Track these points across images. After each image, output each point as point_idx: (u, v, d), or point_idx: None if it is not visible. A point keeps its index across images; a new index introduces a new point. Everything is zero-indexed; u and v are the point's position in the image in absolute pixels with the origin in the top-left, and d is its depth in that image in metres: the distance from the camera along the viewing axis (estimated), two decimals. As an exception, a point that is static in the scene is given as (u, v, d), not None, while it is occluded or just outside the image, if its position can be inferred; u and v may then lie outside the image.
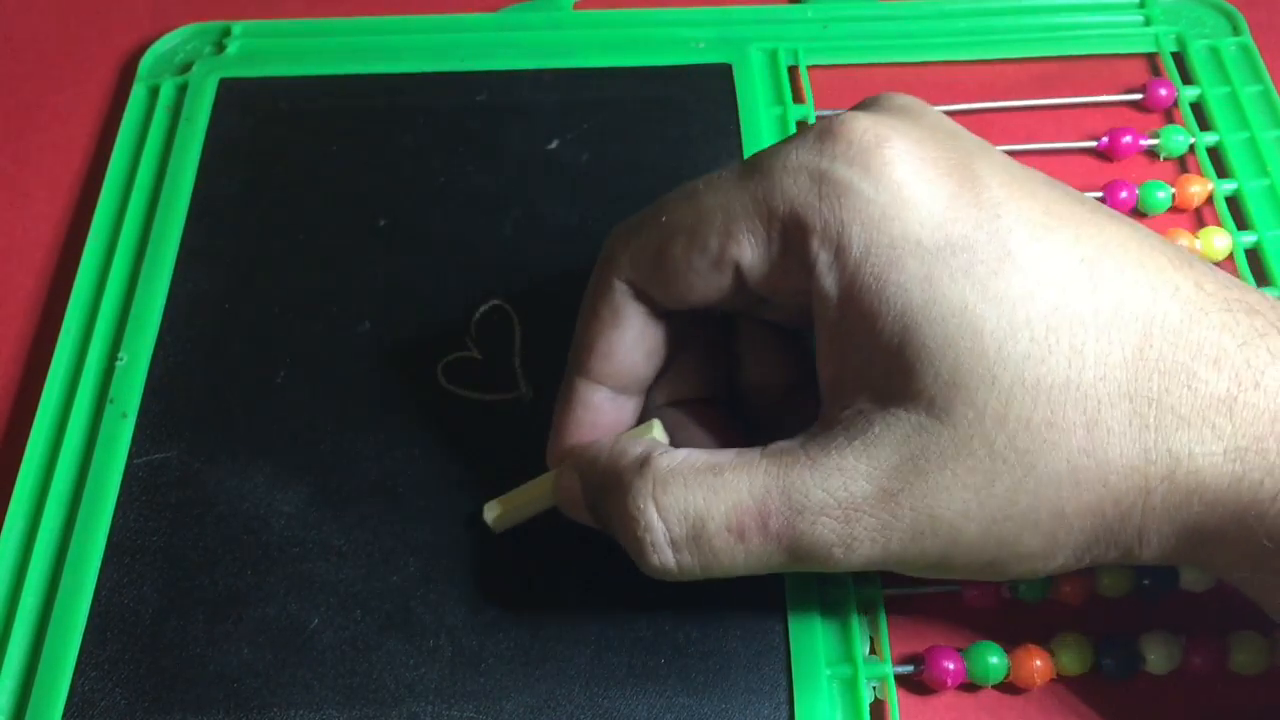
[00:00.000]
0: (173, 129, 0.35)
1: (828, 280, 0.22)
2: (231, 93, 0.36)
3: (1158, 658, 0.26)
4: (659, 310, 0.25)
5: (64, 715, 0.25)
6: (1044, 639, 0.27)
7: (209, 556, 0.28)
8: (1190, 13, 0.38)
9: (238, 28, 0.38)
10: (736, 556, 0.23)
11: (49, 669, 0.26)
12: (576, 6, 0.39)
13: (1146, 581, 0.27)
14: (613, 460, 0.24)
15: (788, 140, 0.23)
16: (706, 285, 0.24)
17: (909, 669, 0.26)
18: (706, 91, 0.36)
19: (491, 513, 0.27)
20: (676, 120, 0.35)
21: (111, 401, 0.30)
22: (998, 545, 0.22)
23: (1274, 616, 0.23)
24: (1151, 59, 0.38)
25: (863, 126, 0.22)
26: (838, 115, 0.23)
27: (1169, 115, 0.37)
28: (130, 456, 0.29)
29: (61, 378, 0.31)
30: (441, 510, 0.28)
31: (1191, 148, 0.35)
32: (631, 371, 0.25)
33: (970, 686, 0.27)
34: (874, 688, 0.26)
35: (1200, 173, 0.34)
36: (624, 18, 0.38)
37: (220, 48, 0.38)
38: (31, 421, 0.30)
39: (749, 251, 0.23)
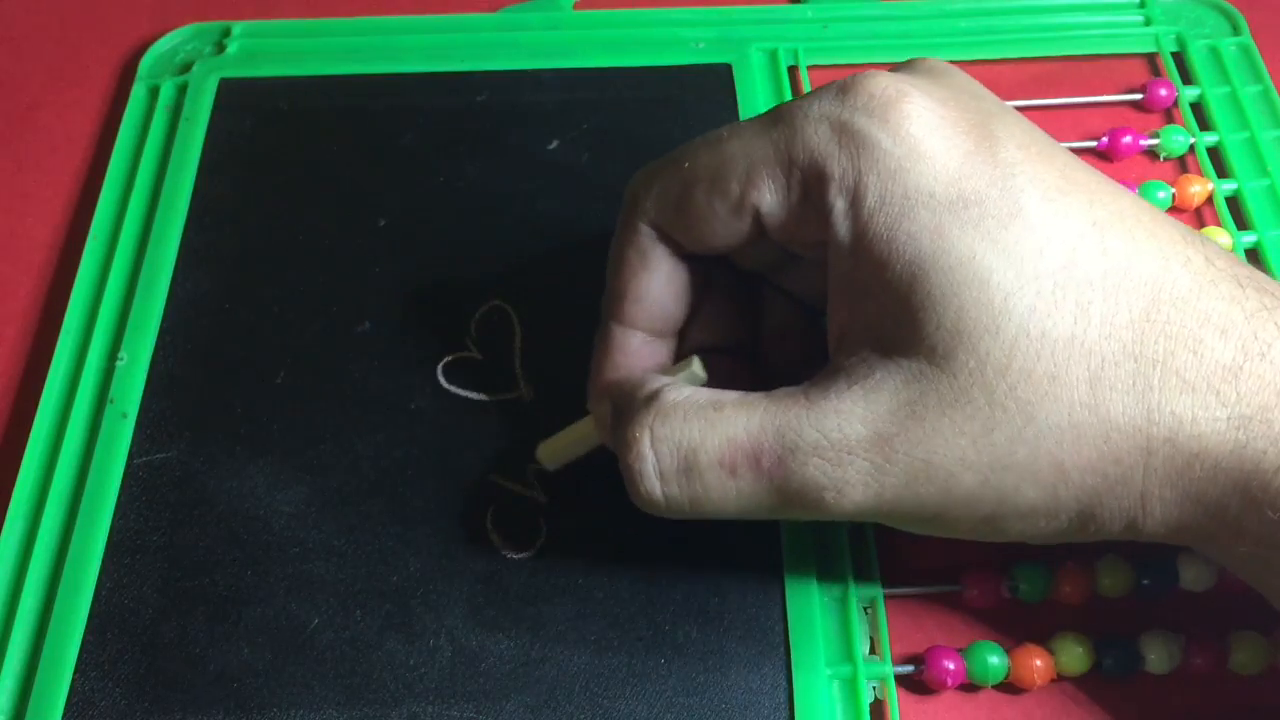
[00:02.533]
0: (173, 129, 0.35)
1: (842, 228, 0.22)
2: (232, 93, 0.36)
3: (1158, 657, 0.26)
4: (685, 254, 0.25)
5: (64, 715, 0.26)
6: (1044, 639, 0.27)
7: (209, 556, 0.28)
8: (1190, 13, 0.38)
9: (238, 28, 0.38)
10: (727, 493, 0.23)
11: (49, 668, 0.26)
12: (576, 7, 0.39)
13: (1146, 581, 0.27)
14: (631, 390, 0.24)
15: (811, 93, 0.23)
16: (727, 230, 0.24)
17: (909, 669, 0.26)
18: (706, 91, 0.36)
19: (544, 452, 0.28)
20: (676, 120, 0.35)
21: (112, 401, 0.30)
22: (996, 497, 0.22)
23: (1275, 603, 0.23)
24: (1151, 59, 0.38)
25: (884, 83, 0.22)
26: (862, 72, 0.23)
27: (1169, 115, 0.37)
28: (130, 456, 0.29)
29: (62, 378, 0.31)
30: (441, 510, 0.28)
31: (1191, 148, 0.35)
32: (663, 314, 0.26)
33: (970, 686, 0.27)
34: (874, 688, 0.26)
35: (1200, 173, 0.34)
36: (624, 18, 0.38)
37: (220, 48, 0.38)
38: (32, 421, 0.30)
39: (769, 198, 0.23)
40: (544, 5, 0.39)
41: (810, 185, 0.23)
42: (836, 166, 0.22)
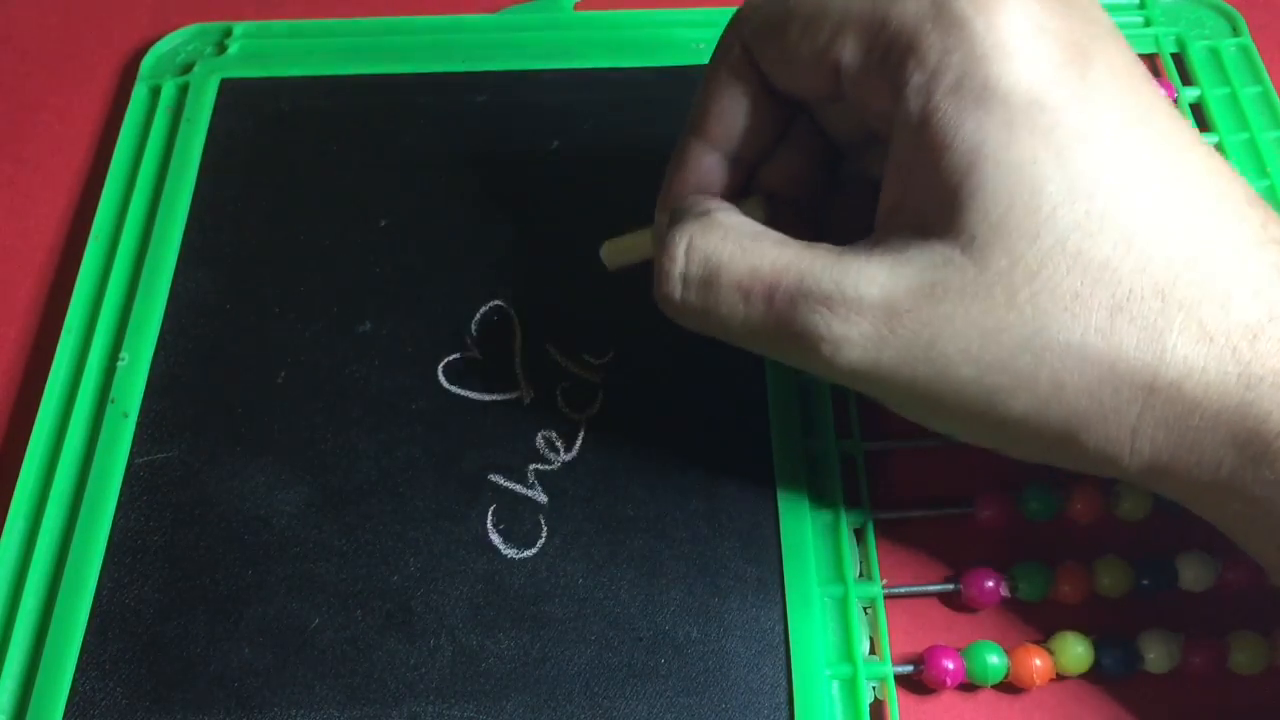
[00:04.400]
0: (174, 129, 0.35)
1: (914, 103, 0.22)
2: (233, 93, 0.36)
3: (1157, 657, 0.26)
4: (769, 89, 0.26)
5: (65, 714, 0.26)
6: (1043, 639, 0.27)
7: (209, 556, 0.28)
8: (1190, 14, 0.38)
9: (239, 28, 0.38)
10: (734, 314, 0.24)
11: (50, 668, 0.26)
12: (577, 7, 0.39)
13: (1146, 581, 0.27)
14: (688, 205, 0.26)
15: None
16: (808, 75, 0.24)
17: (909, 669, 0.26)
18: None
19: (607, 249, 0.29)
20: (677, 121, 0.35)
21: (113, 401, 0.30)
22: (987, 397, 0.22)
23: (1262, 562, 0.23)
24: (1151, 60, 0.38)
25: None
26: None
27: (1169, 116, 0.37)
28: (131, 456, 0.29)
29: (63, 378, 0.31)
30: (441, 510, 0.28)
31: (1191, 148, 0.35)
32: (741, 137, 0.26)
33: (970, 686, 0.27)
34: (874, 688, 0.26)
35: (1200, 173, 0.34)
36: (624, 19, 0.38)
37: (221, 48, 0.38)
38: (33, 421, 0.30)
39: (851, 54, 0.23)
40: (544, 6, 0.39)
41: (894, 53, 0.23)
42: (925, 40, 0.22)
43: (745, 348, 0.25)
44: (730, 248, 0.24)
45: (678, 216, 0.25)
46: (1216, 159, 0.23)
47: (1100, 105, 0.22)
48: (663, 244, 0.25)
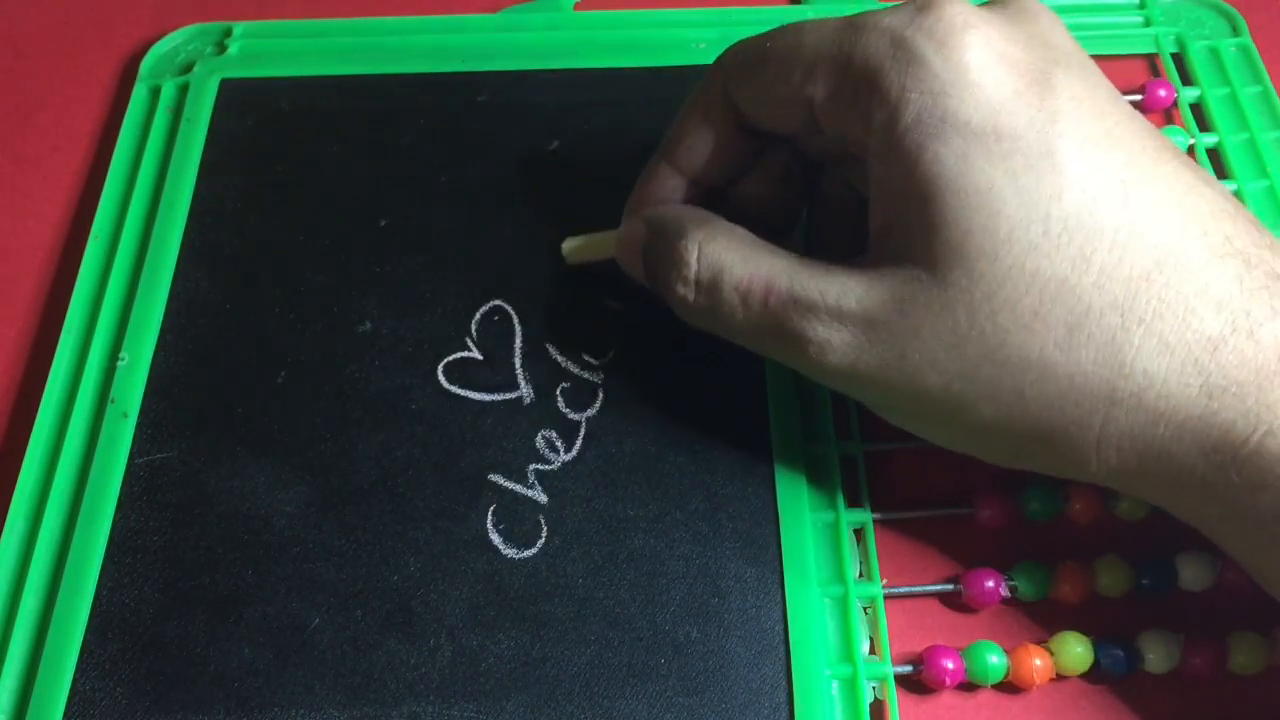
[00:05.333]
0: (174, 129, 0.35)
1: (879, 137, 0.24)
2: (232, 93, 0.36)
3: (1157, 657, 0.26)
4: (745, 126, 0.27)
5: (65, 714, 0.26)
6: (1043, 639, 0.27)
7: (209, 556, 0.28)
8: (1190, 14, 0.38)
9: (239, 28, 0.38)
10: (734, 315, 0.26)
11: (50, 668, 0.26)
12: (577, 7, 0.39)
13: (1146, 581, 0.27)
14: (680, 212, 0.28)
15: (892, 6, 0.24)
16: (783, 112, 0.26)
17: (908, 669, 0.26)
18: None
19: (568, 245, 0.31)
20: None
21: (112, 401, 0.30)
22: (956, 404, 0.23)
23: (1241, 563, 0.24)
24: (1151, 60, 0.38)
25: (957, 10, 0.23)
26: None
27: (1169, 116, 0.37)
28: (131, 456, 0.29)
29: (63, 378, 0.31)
30: (441, 510, 0.28)
31: (1191, 149, 0.35)
32: (705, 168, 0.28)
33: (969, 686, 0.27)
34: (874, 688, 0.26)
35: (1200, 173, 0.34)
36: (624, 19, 0.38)
37: (221, 48, 0.38)
38: (33, 421, 0.30)
39: (822, 93, 0.25)
40: (545, 6, 0.39)
41: (861, 90, 0.24)
42: (886, 78, 0.23)
43: (747, 346, 0.27)
44: (733, 254, 0.26)
45: (679, 227, 0.27)
46: (1185, 175, 0.23)
47: (1059, 128, 0.22)
48: (674, 250, 0.26)
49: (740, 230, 0.26)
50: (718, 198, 0.29)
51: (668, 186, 0.29)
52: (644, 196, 0.29)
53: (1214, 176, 0.24)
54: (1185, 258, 0.22)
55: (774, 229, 0.28)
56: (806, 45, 0.25)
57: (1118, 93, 0.24)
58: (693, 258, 0.26)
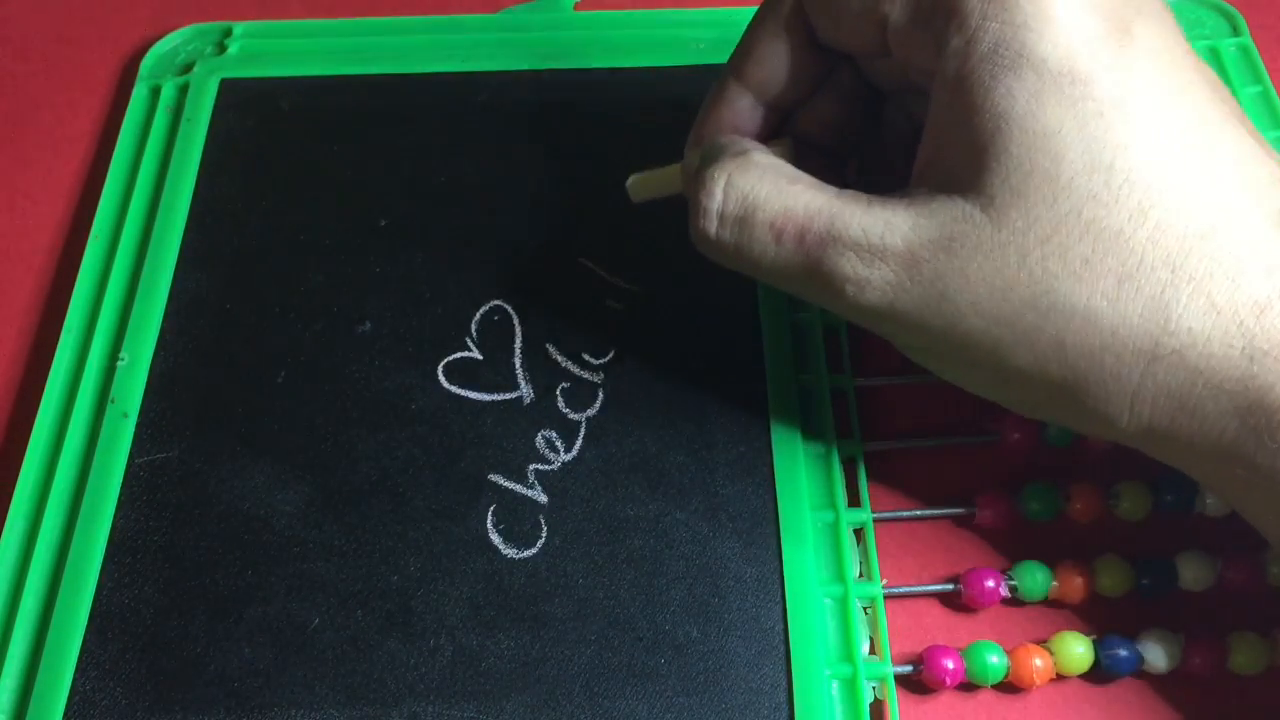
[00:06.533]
0: (174, 129, 0.35)
1: (951, 64, 0.23)
2: (232, 93, 0.36)
3: (1157, 658, 0.26)
4: (815, 42, 0.27)
5: (65, 714, 0.26)
6: (1043, 639, 0.27)
7: (209, 556, 0.28)
8: (1190, 13, 0.38)
9: (239, 28, 0.38)
10: (766, 252, 0.25)
11: (50, 668, 0.26)
12: (577, 7, 0.39)
13: (1146, 581, 0.27)
14: (725, 144, 0.27)
15: None
16: (856, 30, 0.25)
17: (908, 669, 0.26)
18: (707, 92, 0.36)
19: (633, 181, 0.30)
20: (677, 121, 0.35)
21: (112, 401, 0.30)
22: (992, 349, 0.23)
23: (1260, 529, 0.24)
24: (1151, 60, 0.38)
25: None
26: None
27: (1169, 116, 0.37)
28: (131, 456, 0.29)
29: (63, 378, 0.31)
30: (441, 510, 0.28)
31: (1191, 148, 0.35)
32: (778, 84, 0.27)
33: (969, 686, 0.27)
34: (874, 688, 0.26)
35: (1200, 173, 0.34)
36: (624, 19, 0.38)
37: (221, 48, 0.38)
38: (33, 421, 0.30)
39: (898, 12, 0.24)
40: (545, 6, 0.39)
41: (938, 15, 0.23)
42: (966, 3, 0.23)
43: (773, 284, 0.26)
44: (767, 188, 0.25)
45: (714, 154, 0.26)
46: (1250, 141, 0.23)
47: (1134, 79, 0.22)
48: (700, 180, 0.26)
49: (777, 163, 0.25)
50: (783, 121, 0.28)
51: (736, 107, 0.28)
52: (708, 118, 0.28)
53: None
54: (1242, 221, 0.22)
55: (834, 157, 0.28)
56: None
57: (1192, 50, 0.24)
58: (718, 190, 0.25)
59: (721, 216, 0.25)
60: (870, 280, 0.24)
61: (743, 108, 0.28)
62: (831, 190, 0.25)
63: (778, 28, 0.27)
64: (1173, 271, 0.22)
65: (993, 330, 0.23)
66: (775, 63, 0.27)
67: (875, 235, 0.23)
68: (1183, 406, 0.22)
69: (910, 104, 0.28)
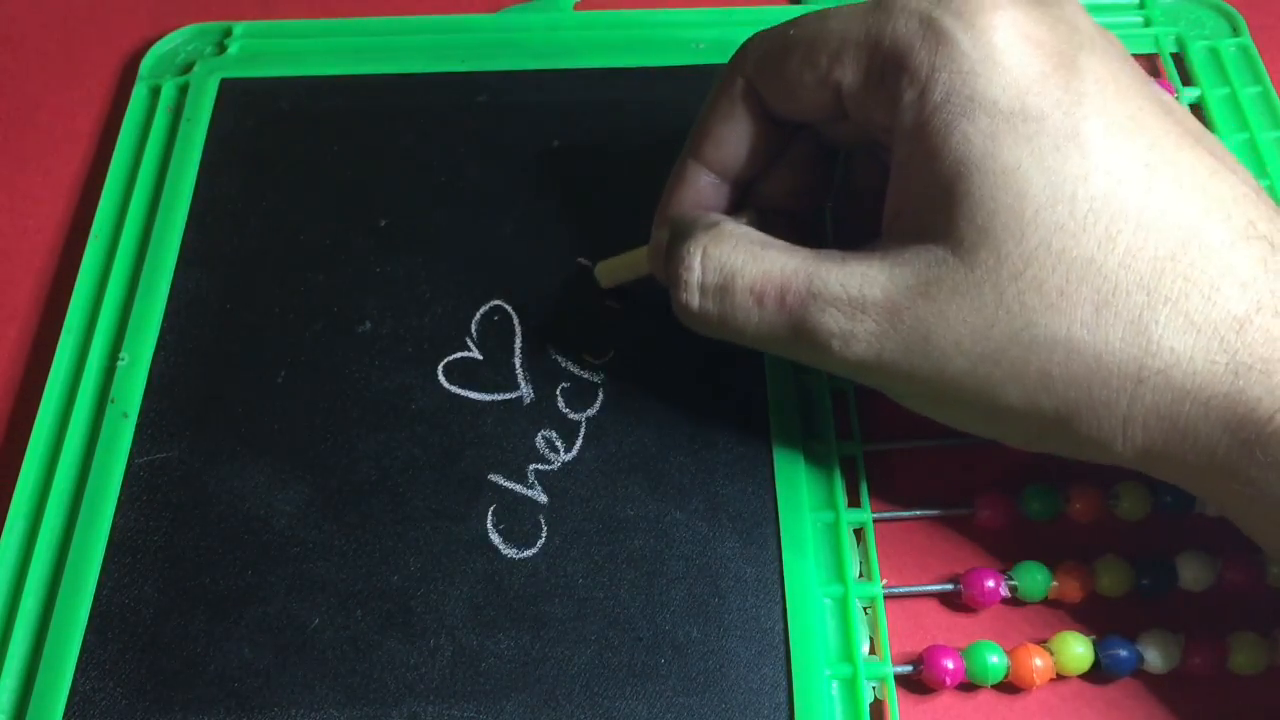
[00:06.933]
0: (174, 129, 0.35)
1: (907, 116, 0.24)
2: (232, 93, 0.36)
3: (1157, 657, 0.26)
4: (770, 116, 0.27)
5: (65, 714, 0.26)
6: (1043, 639, 0.27)
7: (209, 556, 0.28)
8: (1190, 14, 0.38)
9: (239, 28, 0.38)
10: (750, 318, 0.25)
11: (50, 668, 0.26)
12: (577, 7, 0.39)
13: (1146, 581, 0.27)
14: (694, 219, 0.27)
15: None
16: (810, 100, 0.26)
17: (908, 669, 0.26)
18: (706, 92, 0.36)
19: (601, 268, 0.31)
20: (677, 121, 0.35)
21: (112, 401, 0.30)
22: (981, 387, 0.23)
23: (1259, 542, 0.24)
24: (1151, 60, 0.38)
25: None
26: None
27: (1169, 116, 0.37)
28: (131, 456, 0.29)
29: (63, 378, 0.31)
30: (441, 510, 0.28)
31: (1191, 148, 0.35)
32: (735, 161, 0.28)
33: (969, 686, 0.27)
34: (874, 688, 0.26)
35: (1200, 173, 0.34)
36: (624, 19, 0.38)
37: (221, 48, 0.38)
38: (33, 421, 0.30)
39: (850, 76, 0.25)
40: (544, 6, 0.39)
41: (889, 71, 0.24)
42: (915, 58, 0.23)
43: (759, 349, 0.26)
44: (742, 255, 0.25)
45: (685, 230, 0.26)
46: (1208, 159, 0.23)
47: (1085, 111, 0.22)
48: (676, 256, 0.26)
49: (748, 230, 0.26)
50: (746, 194, 0.29)
51: (697, 186, 0.28)
52: (672, 199, 0.29)
53: (1239, 161, 0.24)
54: (1209, 239, 0.22)
55: (800, 221, 0.28)
56: (833, 30, 0.25)
57: (1144, 75, 0.24)
58: (696, 262, 0.26)
59: (703, 288, 0.26)
60: (855, 333, 0.24)
61: (704, 185, 0.28)
62: (805, 251, 0.25)
63: (731, 107, 0.27)
64: (1148, 294, 0.22)
65: (979, 369, 0.23)
66: (732, 141, 0.28)
67: (854, 289, 0.24)
68: (1174, 426, 0.22)
69: (869, 160, 0.29)
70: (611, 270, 0.31)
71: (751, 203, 0.29)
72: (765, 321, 0.25)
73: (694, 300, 0.26)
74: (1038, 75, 0.23)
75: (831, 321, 0.24)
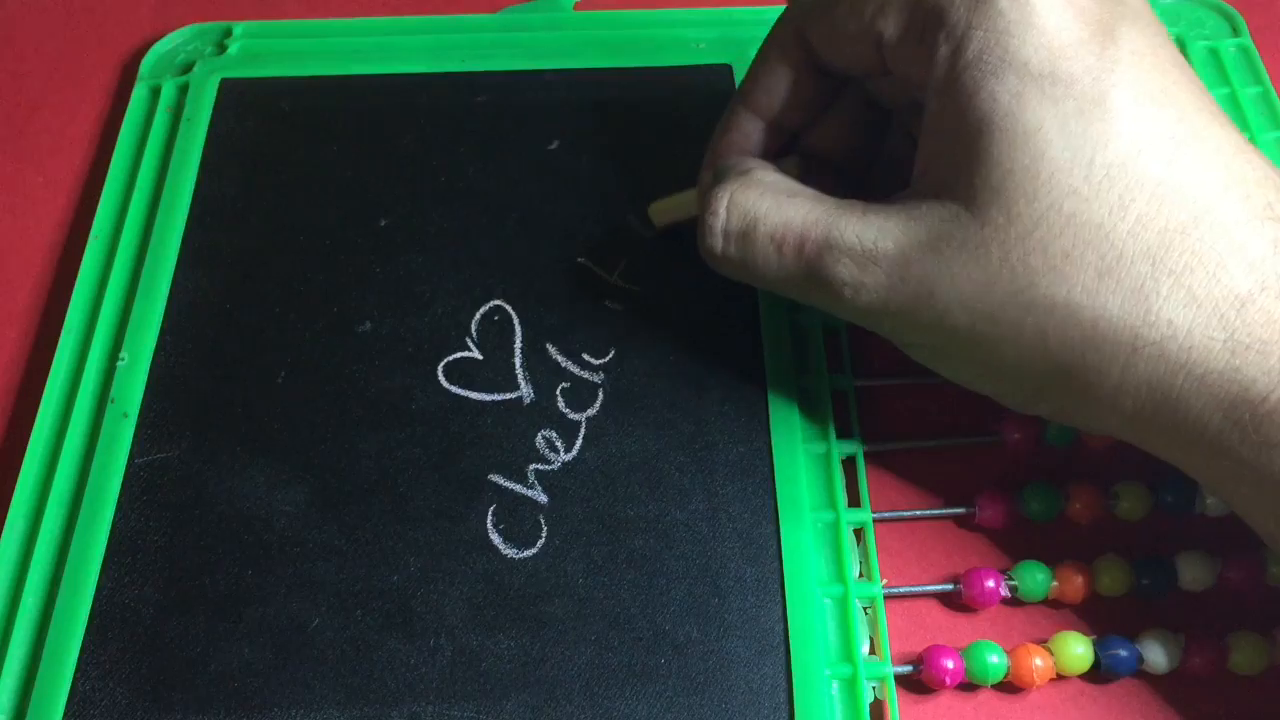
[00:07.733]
0: (174, 129, 0.35)
1: (940, 72, 0.24)
2: (232, 93, 0.36)
3: (1157, 658, 0.26)
4: (819, 67, 0.28)
5: (65, 714, 0.26)
6: (1043, 639, 0.27)
7: (209, 556, 0.28)
8: (1190, 14, 0.38)
9: (239, 28, 0.38)
10: (769, 263, 0.26)
11: (50, 668, 0.26)
12: (577, 7, 0.39)
13: (1146, 581, 0.27)
14: (730, 164, 0.28)
15: None
16: (854, 50, 0.26)
17: (908, 669, 0.26)
18: (707, 92, 0.36)
19: (654, 210, 0.32)
20: (677, 121, 0.35)
21: (113, 401, 0.30)
22: (979, 344, 0.24)
23: (1250, 523, 0.24)
24: (1151, 60, 0.38)
25: None
26: None
27: (1169, 116, 0.37)
28: (131, 456, 0.29)
29: (63, 378, 0.31)
30: (441, 510, 0.28)
31: (1191, 148, 0.35)
32: (784, 108, 0.29)
33: (969, 686, 0.27)
34: (873, 688, 0.26)
35: (1200, 173, 0.34)
36: (624, 18, 0.38)
37: (221, 48, 0.38)
38: (33, 421, 0.30)
39: (892, 28, 0.25)
40: (544, 5, 0.39)
41: (929, 26, 0.24)
42: (953, 13, 0.23)
43: (779, 292, 0.27)
44: (766, 203, 0.26)
45: (720, 175, 0.28)
46: (1235, 142, 0.23)
47: (1116, 78, 0.22)
48: (706, 201, 0.27)
49: (778, 179, 0.27)
50: (793, 140, 0.30)
51: (745, 131, 0.29)
52: (721, 144, 0.29)
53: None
54: (1224, 216, 0.22)
55: (846, 177, 0.29)
56: None
57: (1181, 55, 0.24)
58: (722, 208, 0.26)
59: (726, 233, 0.27)
60: (865, 283, 0.25)
61: (751, 131, 0.29)
62: (830, 201, 0.26)
63: (781, 55, 0.28)
64: (1153, 264, 0.22)
65: (979, 326, 0.23)
66: (780, 89, 0.28)
67: (869, 241, 0.24)
68: (1166, 399, 0.22)
69: (911, 119, 0.29)
70: (664, 210, 0.32)
71: (798, 150, 0.30)
72: (784, 268, 0.26)
73: (718, 244, 0.27)
74: (1074, 40, 0.23)
75: (845, 270, 0.25)
